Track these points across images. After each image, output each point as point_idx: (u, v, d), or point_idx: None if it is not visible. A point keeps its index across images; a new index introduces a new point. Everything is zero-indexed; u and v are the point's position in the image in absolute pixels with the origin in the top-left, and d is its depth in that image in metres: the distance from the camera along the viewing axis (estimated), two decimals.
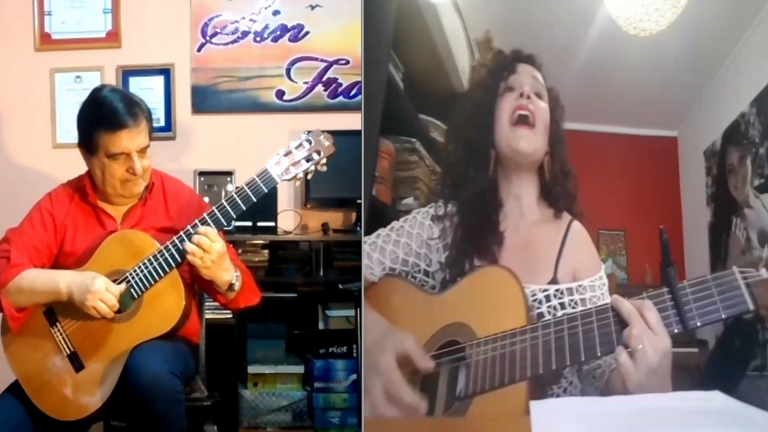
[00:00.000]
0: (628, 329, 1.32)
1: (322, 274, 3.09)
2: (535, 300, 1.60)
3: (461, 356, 1.50)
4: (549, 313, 1.61)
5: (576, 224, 1.72)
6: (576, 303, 1.61)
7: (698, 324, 1.28)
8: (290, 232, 3.11)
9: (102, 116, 1.92)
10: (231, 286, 1.93)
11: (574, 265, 1.67)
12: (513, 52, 1.82)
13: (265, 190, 1.90)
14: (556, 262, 1.66)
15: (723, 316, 1.26)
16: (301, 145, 1.92)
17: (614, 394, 1.45)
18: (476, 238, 1.71)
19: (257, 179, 1.89)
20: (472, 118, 1.79)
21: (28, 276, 1.89)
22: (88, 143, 1.94)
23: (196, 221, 1.88)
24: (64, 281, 1.86)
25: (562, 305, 1.61)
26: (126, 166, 1.93)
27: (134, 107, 1.94)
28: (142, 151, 1.95)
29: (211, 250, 1.83)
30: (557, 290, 1.62)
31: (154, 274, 1.86)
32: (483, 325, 1.51)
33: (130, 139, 1.91)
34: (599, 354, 1.35)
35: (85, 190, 2.01)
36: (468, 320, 1.54)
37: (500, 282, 1.56)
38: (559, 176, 1.74)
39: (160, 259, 1.86)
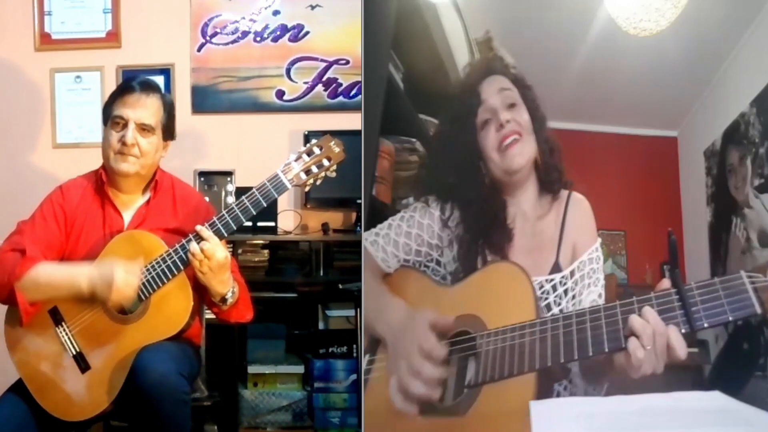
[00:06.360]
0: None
1: (322, 274, 3.08)
2: (543, 291, 1.65)
3: (472, 345, 1.52)
4: (556, 303, 1.67)
5: (575, 195, 1.76)
6: (576, 282, 1.67)
7: (705, 325, 1.29)
8: (290, 232, 3.11)
9: (120, 87, 2.03)
10: (224, 300, 1.92)
11: (574, 239, 1.71)
12: (474, 71, 1.86)
13: (276, 196, 1.88)
14: (558, 246, 1.70)
15: (730, 318, 1.27)
16: (311, 151, 1.89)
17: (615, 383, 1.48)
18: (487, 235, 1.75)
19: (268, 184, 1.87)
20: (455, 153, 1.81)
21: (44, 270, 1.86)
22: (104, 116, 1.99)
23: (206, 224, 1.86)
24: (83, 277, 1.83)
25: (566, 292, 1.65)
26: (121, 135, 1.93)
27: (150, 84, 1.99)
28: (144, 129, 1.94)
29: (212, 258, 1.82)
30: (563, 277, 1.67)
31: (162, 276, 1.84)
32: (493, 318, 1.53)
33: (131, 105, 1.92)
34: (606, 350, 1.36)
35: (101, 178, 2.00)
36: (479, 312, 1.56)
37: (510, 277, 1.59)
38: (549, 161, 1.77)
39: (169, 262, 1.84)
